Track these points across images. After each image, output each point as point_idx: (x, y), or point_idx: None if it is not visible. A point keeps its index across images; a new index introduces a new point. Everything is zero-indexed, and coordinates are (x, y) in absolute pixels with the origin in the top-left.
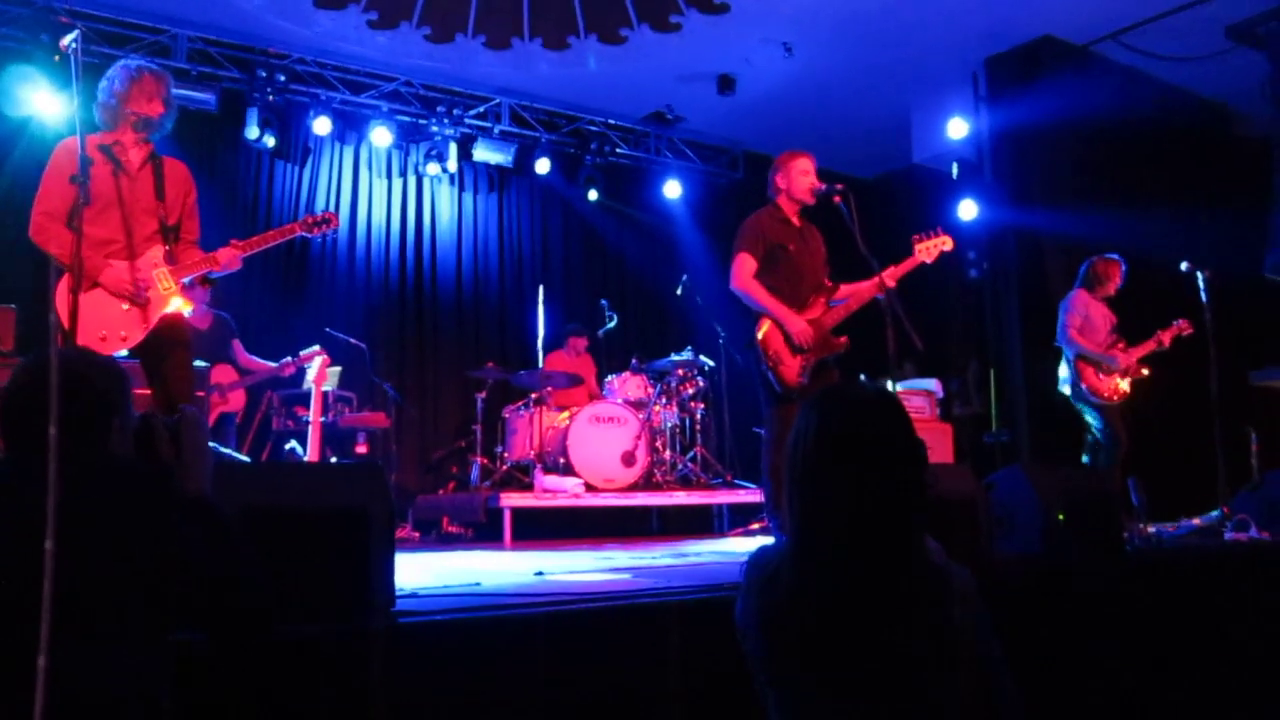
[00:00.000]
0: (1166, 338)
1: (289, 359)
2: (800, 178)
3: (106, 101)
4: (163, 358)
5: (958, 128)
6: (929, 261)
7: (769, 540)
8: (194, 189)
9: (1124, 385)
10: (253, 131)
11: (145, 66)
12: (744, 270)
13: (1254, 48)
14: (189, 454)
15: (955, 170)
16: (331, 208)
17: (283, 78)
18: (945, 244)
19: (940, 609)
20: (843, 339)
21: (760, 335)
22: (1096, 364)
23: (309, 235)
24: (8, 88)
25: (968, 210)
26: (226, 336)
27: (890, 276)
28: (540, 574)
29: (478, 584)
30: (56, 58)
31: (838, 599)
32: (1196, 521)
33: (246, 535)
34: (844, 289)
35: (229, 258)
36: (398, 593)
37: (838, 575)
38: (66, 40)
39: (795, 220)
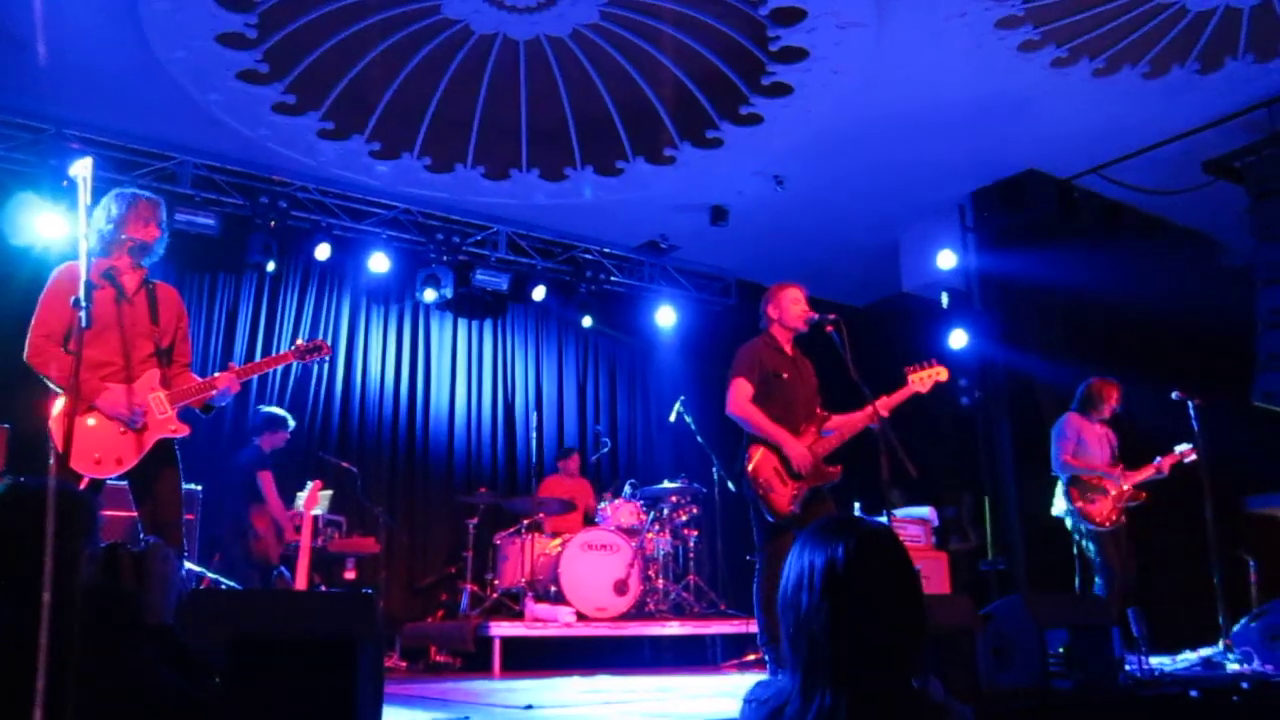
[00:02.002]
0: (1166, 465)
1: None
2: (792, 306)
3: (104, 228)
4: (154, 479)
5: (946, 259)
6: (923, 392)
7: (762, 675)
8: (185, 314)
9: (1117, 510)
10: (254, 256)
11: (140, 194)
12: (741, 395)
13: (1231, 181)
14: (152, 583)
15: (945, 299)
16: (329, 332)
17: (285, 204)
18: (940, 375)
19: None
20: (836, 468)
21: (751, 465)
22: (1085, 488)
23: (302, 362)
24: (13, 214)
25: (958, 339)
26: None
27: (884, 407)
28: (530, 707)
29: (467, 718)
30: (65, 183)
31: None
32: (1197, 655)
33: (205, 664)
34: (835, 419)
35: (227, 382)
36: None
37: (841, 710)
38: (77, 167)
39: (788, 349)
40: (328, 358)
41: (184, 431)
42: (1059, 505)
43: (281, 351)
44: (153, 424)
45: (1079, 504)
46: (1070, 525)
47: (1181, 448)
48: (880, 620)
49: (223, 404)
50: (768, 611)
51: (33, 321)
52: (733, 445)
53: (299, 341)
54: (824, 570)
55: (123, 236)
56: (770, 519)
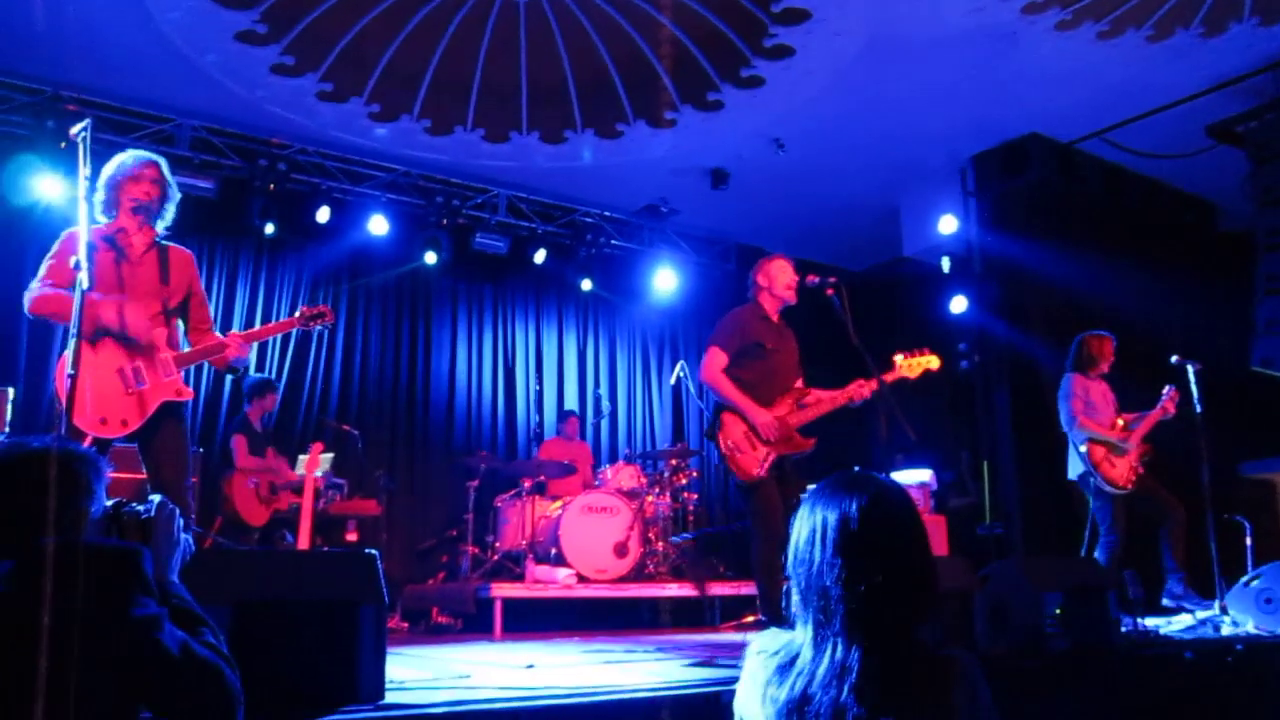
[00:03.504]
0: (1170, 405)
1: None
2: (780, 275)
3: (103, 191)
4: (159, 440)
5: (948, 224)
6: (911, 378)
7: (764, 633)
8: (197, 275)
9: (1135, 471)
10: (253, 220)
11: (136, 153)
12: (713, 364)
13: (1233, 145)
14: (158, 540)
15: (946, 264)
16: (329, 295)
17: (284, 167)
18: (930, 363)
19: (948, 691)
20: (810, 440)
21: (721, 428)
22: (1110, 447)
23: (305, 329)
24: (14, 175)
25: (958, 304)
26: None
27: (866, 388)
28: (531, 667)
29: (467, 676)
30: (63, 145)
31: (854, 686)
32: (1193, 617)
33: (216, 623)
34: (814, 394)
35: (236, 345)
36: (387, 685)
37: (852, 662)
38: (76, 129)
39: (774, 319)
40: (331, 324)
41: (188, 395)
42: (1075, 467)
43: (286, 318)
44: (156, 384)
45: (1102, 465)
46: (1084, 487)
47: (1167, 390)
48: (893, 574)
49: (242, 367)
50: (765, 573)
51: (36, 278)
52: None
53: (303, 308)
54: (838, 525)
55: (122, 198)
56: (739, 480)
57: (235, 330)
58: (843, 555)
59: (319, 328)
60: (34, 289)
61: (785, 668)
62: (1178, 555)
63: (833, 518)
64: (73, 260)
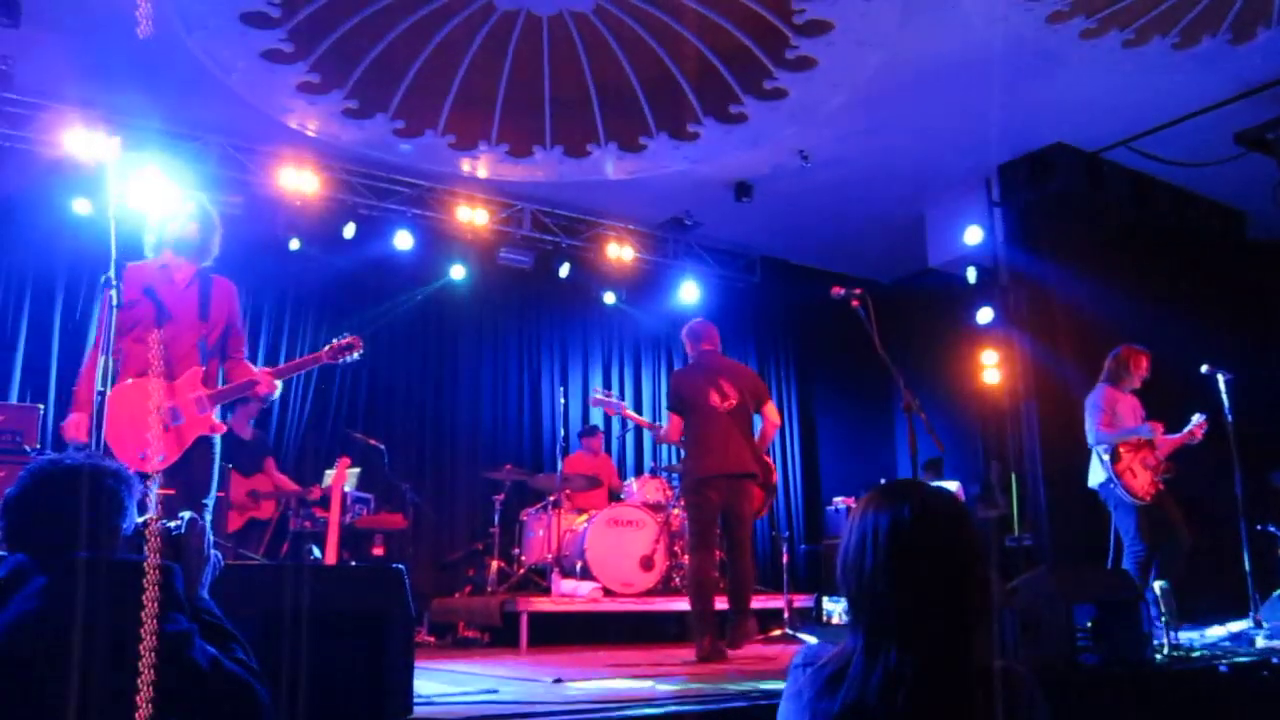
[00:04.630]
0: (1199, 431)
1: (318, 484)
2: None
3: (150, 231)
4: (189, 471)
5: (973, 235)
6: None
7: (808, 647)
8: (237, 306)
9: (1156, 485)
10: (279, 234)
11: (178, 194)
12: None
13: (1263, 153)
14: (188, 556)
15: (972, 275)
16: (356, 311)
17: (311, 183)
18: None
19: (1007, 704)
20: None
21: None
22: (1133, 448)
23: (334, 362)
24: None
25: (984, 316)
26: (264, 453)
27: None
28: (559, 680)
29: (495, 691)
30: (94, 165)
31: (909, 695)
32: (1226, 630)
33: (244, 638)
34: None
35: (267, 383)
36: (415, 700)
37: (907, 670)
38: (106, 149)
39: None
40: (361, 354)
41: (221, 430)
42: (1096, 475)
43: (316, 352)
44: (192, 421)
45: (1124, 475)
46: (1104, 496)
47: (1197, 418)
48: (945, 578)
49: (269, 402)
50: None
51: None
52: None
53: (334, 340)
54: (889, 530)
55: (164, 237)
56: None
57: (264, 366)
58: (894, 559)
59: (348, 360)
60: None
61: (835, 679)
62: (1165, 577)
63: (884, 523)
64: (102, 278)
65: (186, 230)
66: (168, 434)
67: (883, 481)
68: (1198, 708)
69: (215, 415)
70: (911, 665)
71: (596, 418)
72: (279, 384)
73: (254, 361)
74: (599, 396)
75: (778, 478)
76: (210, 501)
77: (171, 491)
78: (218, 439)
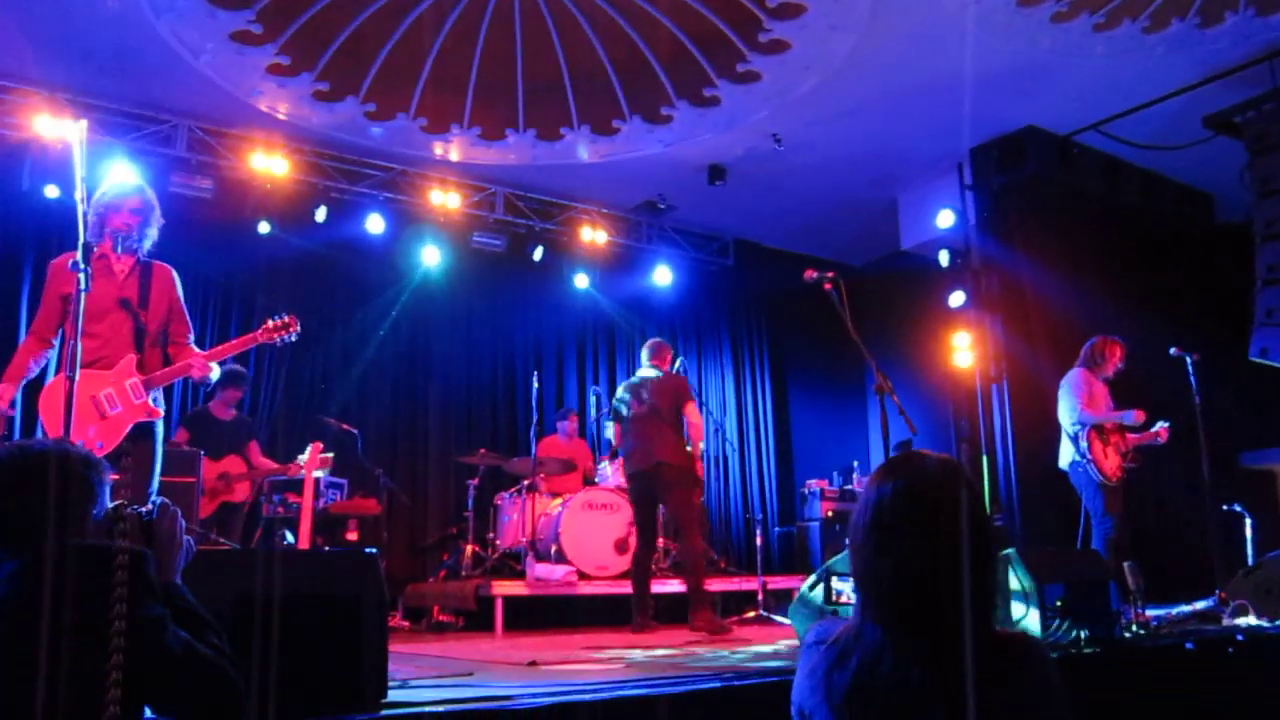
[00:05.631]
0: (1164, 434)
1: (296, 461)
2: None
3: (92, 215)
4: (130, 454)
5: (945, 218)
6: None
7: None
8: (177, 294)
9: (1122, 468)
10: (249, 219)
11: (121, 183)
12: None
13: (1231, 136)
14: (160, 542)
15: (944, 258)
16: (327, 295)
17: (281, 166)
18: None
19: (1017, 671)
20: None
21: None
22: (1106, 439)
23: (270, 341)
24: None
25: (957, 298)
26: (244, 436)
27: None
28: (533, 663)
29: (470, 674)
30: (59, 147)
31: (921, 666)
32: (1194, 607)
33: (217, 623)
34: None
35: (200, 366)
36: (389, 683)
37: (919, 648)
38: (73, 131)
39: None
40: (296, 334)
41: (158, 415)
42: (1067, 456)
43: (252, 332)
44: (128, 408)
45: (1096, 455)
46: (1074, 477)
47: (1161, 424)
48: (941, 550)
49: (209, 384)
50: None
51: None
52: (731, 403)
53: (268, 321)
54: (884, 502)
55: (104, 226)
56: None
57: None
58: (888, 532)
59: (285, 339)
60: (25, 339)
61: (846, 654)
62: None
63: (878, 497)
64: (70, 263)
65: (129, 223)
66: (104, 422)
67: (886, 459)
68: (1165, 684)
69: (152, 400)
70: (922, 638)
71: (571, 400)
72: (214, 366)
73: None
74: None
75: (703, 468)
76: (154, 487)
77: (117, 477)
78: (159, 424)
